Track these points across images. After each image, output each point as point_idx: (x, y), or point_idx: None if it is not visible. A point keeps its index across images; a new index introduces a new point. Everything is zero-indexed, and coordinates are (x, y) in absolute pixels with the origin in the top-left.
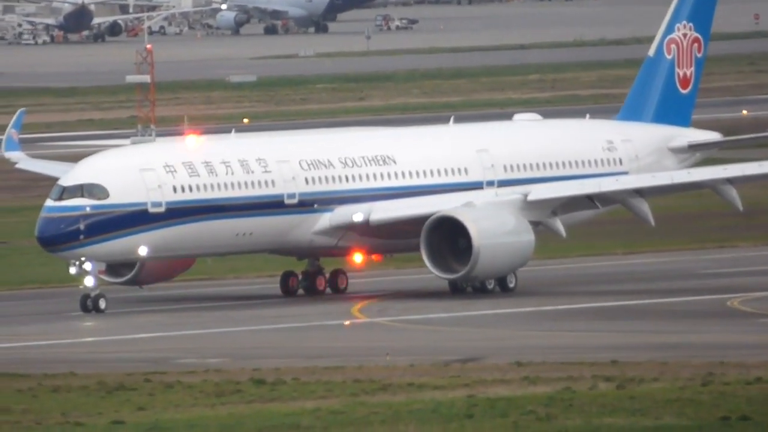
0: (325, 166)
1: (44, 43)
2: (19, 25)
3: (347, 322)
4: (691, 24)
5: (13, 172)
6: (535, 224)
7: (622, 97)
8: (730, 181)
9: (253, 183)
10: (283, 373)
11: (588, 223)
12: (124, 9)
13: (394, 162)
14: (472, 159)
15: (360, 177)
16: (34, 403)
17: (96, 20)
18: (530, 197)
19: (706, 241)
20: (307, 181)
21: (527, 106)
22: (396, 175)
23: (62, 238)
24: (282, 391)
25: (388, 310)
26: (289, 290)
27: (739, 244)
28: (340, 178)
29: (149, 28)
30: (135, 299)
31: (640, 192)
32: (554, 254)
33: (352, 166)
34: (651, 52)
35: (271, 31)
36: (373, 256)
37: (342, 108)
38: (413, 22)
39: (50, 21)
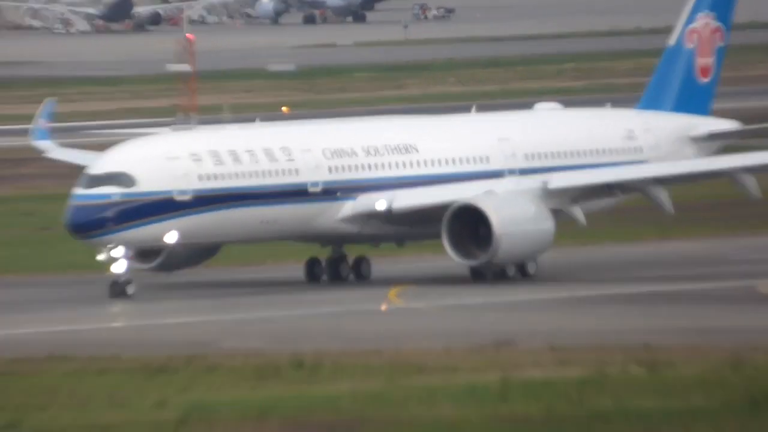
0: (348, 154)
1: (78, 32)
2: (62, 15)
3: (384, 307)
4: (712, 14)
5: (59, 160)
6: (555, 212)
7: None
8: (749, 169)
9: (277, 171)
10: (322, 356)
11: (619, 210)
12: None
13: (417, 151)
14: (494, 148)
15: (383, 165)
16: (80, 384)
17: (136, 9)
18: (550, 185)
19: (737, 228)
20: (330, 170)
21: (563, 94)
22: (418, 163)
23: (91, 225)
24: (321, 373)
25: (424, 295)
26: (313, 277)
27: None
28: (363, 166)
29: (189, 17)
30: (168, 285)
31: (659, 180)
32: (588, 240)
33: (375, 154)
34: (671, 41)
35: (309, 20)
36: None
37: (380, 97)
38: (450, 11)
39: (92, 10)
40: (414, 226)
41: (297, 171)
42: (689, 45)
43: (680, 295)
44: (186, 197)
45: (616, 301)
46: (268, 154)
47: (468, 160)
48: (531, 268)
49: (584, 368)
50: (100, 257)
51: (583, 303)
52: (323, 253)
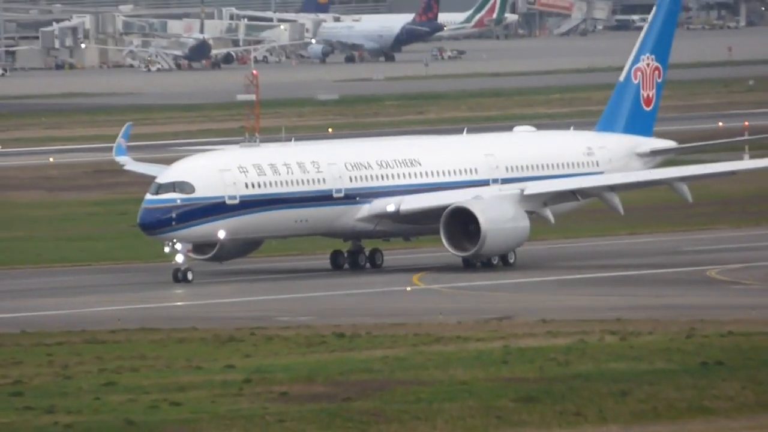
0: (365, 167)
1: (158, 70)
2: (155, 56)
3: (408, 288)
4: (653, 56)
5: (135, 172)
6: (530, 213)
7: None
8: (682, 179)
9: (308, 180)
10: (359, 328)
11: (594, 210)
12: (235, 43)
13: (420, 164)
14: (481, 161)
15: (393, 176)
16: (164, 351)
17: (213, 51)
18: (526, 191)
19: (690, 225)
20: (351, 179)
21: (551, 119)
22: (421, 174)
23: (158, 224)
24: (357, 342)
25: (441, 279)
26: (337, 265)
27: (717, 227)
28: (377, 176)
29: (255, 57)
30: (231, 271)
31: (612, 188)
32: (570, 234)
33: (387, 167)
34: (621, 78)
35: (350, 59)
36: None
37: (406, 120)
38: (462, 52)
39: (178, 52)
40: (418, 225)
41: (324, 180)
42: (635, 80)
43: (644, 278)
44: (235, 201)
45: (595, 284)
46: (301, 166)
47: (460, 172)
48: (511, 258)
49: (569, 338)
50: (166, 250)
51: (568, 285)
52: (345, 246)
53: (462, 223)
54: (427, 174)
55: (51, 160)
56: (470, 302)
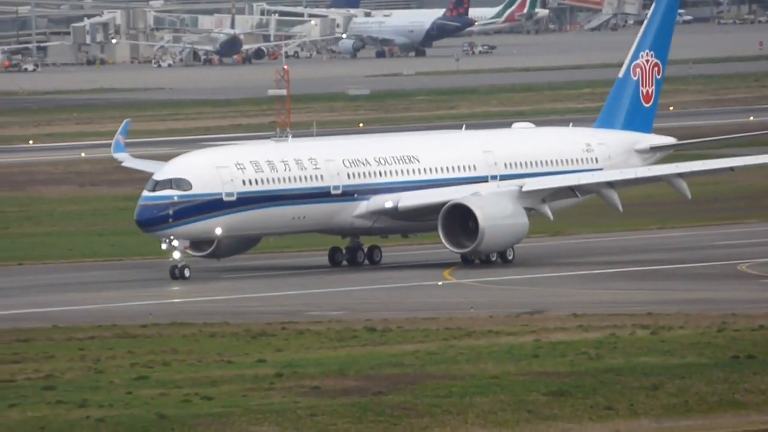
0: (363, 164)
1: (169, 66)
2: (181, 51)
3: (440, 283)
4: (652, 52)
5: (133, 168)
6: (528, 210)
7: (661, 106)
8: (680, 175)
9: (306, 177)
10: (390, 322)
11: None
12: (266, 38)
13: (418, 161)
14: (480, 158)
15: (390, 173)
16: (196, 345)
17: (244, 47)
18: (525, 188)
19: (720, 219)
20: (348, 176)
21: (582, 113)
22: (419, 171)
23: (155, 221)
24: (389, 336)
25: (472, 273)
26: (335, 262)
27: (747, 221)
28: (375, 173)
29: (286, 52)
30: (260, 266)
31: (610, 184)
32: (601, 229)
33: (384, 163)
34: (621, 74)
35: (380, 54)
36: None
37: (436, 115)
38: (492, 47)
39: (209, 47)
40: (416, 221)
41: (322, 177)
42: (634, 77)
43: (676, 272)
44: (232, 198)
45: (626, 278)
46: (298, 163)
47: (459, 168)
48: (510, 255)
49: (600, 332)
50: (163, 247)
51: (600, 279)
52: (343, 243)
53: (460, 220)
54: (425, 171)
55: (82, 155)
56: (501, 296)
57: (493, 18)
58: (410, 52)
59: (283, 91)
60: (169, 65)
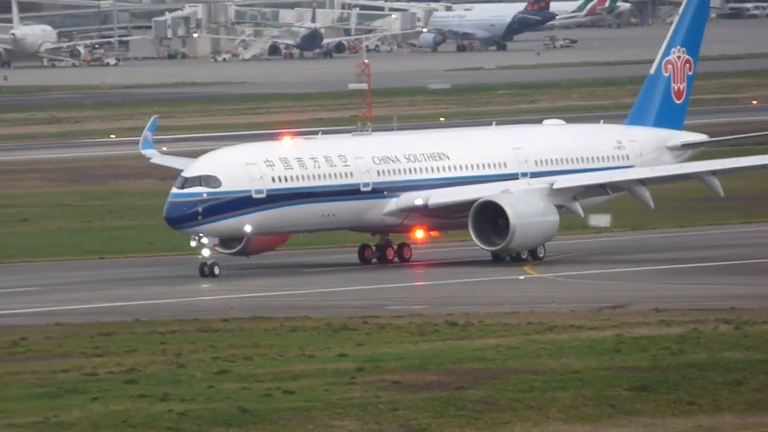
0: (393, 161)
1: (224, 60)
2: (265, 44)
3: (521, 277)
4: (683, 48)
5: (161, 165)
6: (559, 207)
7: (740, 100)
8: (713, 173)
9: (335, 174)
10: (471, 317)
11: (695, 200)
12: (347, 32)
13: (448, 158)
14: (510, 155)
15: (420, 170)
16: (277, 339)
17: (325, 41)
18: (555, 185)
19: None
20: (378, 173)
21: None
22: (449, 168)
23: (184, 218)
24: (470, 331)
25: (553, 268)
26: (365, 259)
27: None
28: (404, 170)
29: (367, 46)
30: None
31: (642, 181)
32: (685, 223)
33: (414, 160)
34: (652, 70)
35: (461, 48)
36: (432, 233)
37: (517, 109)
38: (574, 41)
39: (290, 41)
40: (446, 219)
41: (351, 174)
42: (666, 73)
43: (759, 267)
44: (261, 195)
45: (708, 272)
46: (328, 160)
47: (489, 165)
48: (540, 253)
49: (683, 327)
50: (192, 244)
51: (682, 273)
52: (373, 240)
53: (491, 217)
54: (455, 168)
55: (164, 149)
56: (583, 291)
57: (574, 11)
58: (491, 46)
59: (364, 85)
60: (243, 59)
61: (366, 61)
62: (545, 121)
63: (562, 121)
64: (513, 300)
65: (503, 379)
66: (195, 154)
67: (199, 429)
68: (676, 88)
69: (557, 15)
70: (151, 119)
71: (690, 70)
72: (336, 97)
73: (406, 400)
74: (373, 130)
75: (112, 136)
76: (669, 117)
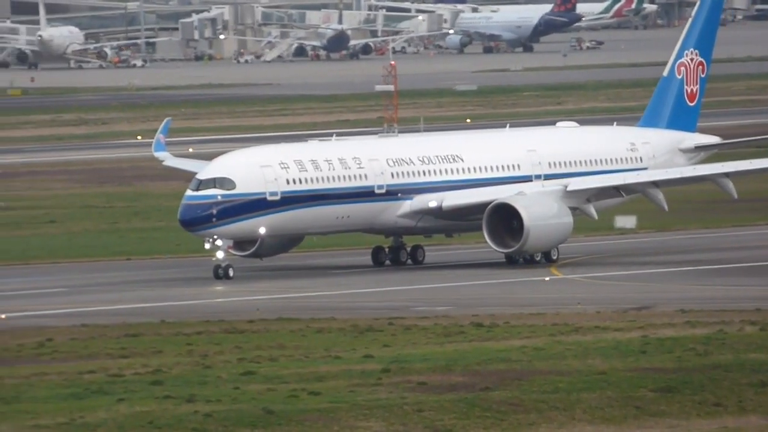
0: (407, 163)
1: (246, 62)
2: (291, 46)
3: (547, 278)
4: (696, 51)
5: (174, 167)
6: (573, 209)
7: (766, 102)
8: (727, 175)
9: (349, 177)
10: (497, 318)
11: (722, 202)
12: (374, 33)
13: (462, 160)
14: (523, 157)
15: (434, 172)
16: (303, 341)
17: (352, 42)
18: (569, 188)
19: None
20: (392, 175)
21: None
22: (463, 170)
23: (199, 220)
24: (496, 332)
25: (579, 269)
26: (378, 261)
27: None
28: (418, 172)
29: (393, 48)
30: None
31: (656, 184)
32: (710, 225)
33: (428, 163)
34: (665, 72)
35: (488, 50)
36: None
37: (544, 111)
38: (600, 43)
39: (316, 43)
40: (460, 221)
41: (366, 176)
42: (679, 75)
43: None
44: (276, 198)
45: (734, 274)
46: (342, 162)
47: (503, 168)
48: (554, 255)
49: (708, 328)
50: (206, 246)
51: (707, 275)
52: (386, 243)
53: (505, 220)
54: (468, 170)
55: (190, 150)
56: (608, 292)
57: (600, 13)
58: (517, 47)
59: (391, 87)
60: (265, 61)
61: (392, 62)
62: (558, 123)
63: (576, 123)
64: (538, 301)
65: (529, 380)
66: (218, 156)
67: (225, 430)
68: (689, 90)
69: (584, 17)
70: (164, 122)
71: (703, 73)
72: (362, 99)
73: (431, 401)
74: (400, 132)
75: (138, 137)
76: (682, 119)
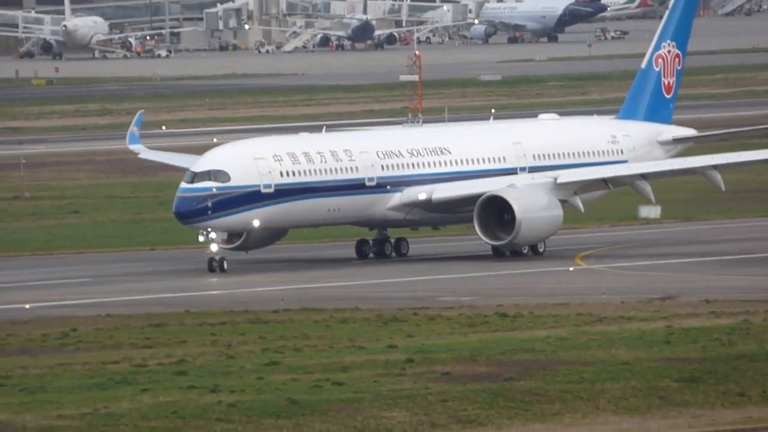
0: (396, 155)
1: (267, 52)
2: (314, 36)
3: (571, 268)
4: (674, 42)
5: (149, 160)
6: (561, 202)
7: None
8: (715, 167)
9: (341, 169)
10: (521, 308)
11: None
12: (398, 23)
13: (450, 152)
14: (509, 149)
15: (423, 164)
16: (327, 331)
17: (377, 32)
18: (559, 180)
19: None
20: (382, 168)
21: (715, 99)
22: (451, 162)
23: (193, 213)
24: (520, 322)
25: (604, 259)
26: (362, 254)
27: None
28: (408, 165)
29: (418, 38)
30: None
31: (644, 176)
32: (734, 215)
33: (417, 155)
34: (643, 65)
35: (513, 40)
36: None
37: (568, 101)
38: (625, 33)
39: (342, 33)
40: (449, 213)
41: (356, 168)
42: (657, 68)
43: None
44: (270, 190)
45: (759, 264)
46: (334, 155)
47: (489, 160)
48: (541, 248)
49: (733, 318)
50: (200, 239)
51: (732, 265)
52: (370, 235)
53: (495, 212)
54: (456, 162)
55: (214, 140)
56: (633, 282)
57: (625, 3)
58: (542, 37)
59: (415, 77)
60: (285, 51)
61: (417, 52)
62: (540, 116)
63: (557, 116)
64: (563, 291)
65: (553, 370)
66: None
67: (249, 420)
68: (666, 82)
69: (608, 6)
70: (137, 114)
71: (679, 65)
72: (387, 89)
73: (455, 391)
74: (424, 122)
75: (163, 127)
76: (659, 111)
